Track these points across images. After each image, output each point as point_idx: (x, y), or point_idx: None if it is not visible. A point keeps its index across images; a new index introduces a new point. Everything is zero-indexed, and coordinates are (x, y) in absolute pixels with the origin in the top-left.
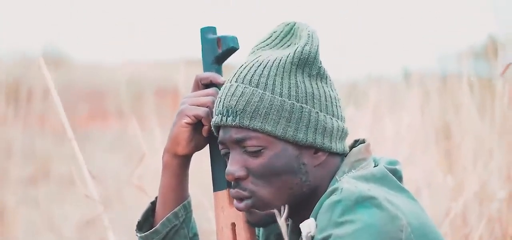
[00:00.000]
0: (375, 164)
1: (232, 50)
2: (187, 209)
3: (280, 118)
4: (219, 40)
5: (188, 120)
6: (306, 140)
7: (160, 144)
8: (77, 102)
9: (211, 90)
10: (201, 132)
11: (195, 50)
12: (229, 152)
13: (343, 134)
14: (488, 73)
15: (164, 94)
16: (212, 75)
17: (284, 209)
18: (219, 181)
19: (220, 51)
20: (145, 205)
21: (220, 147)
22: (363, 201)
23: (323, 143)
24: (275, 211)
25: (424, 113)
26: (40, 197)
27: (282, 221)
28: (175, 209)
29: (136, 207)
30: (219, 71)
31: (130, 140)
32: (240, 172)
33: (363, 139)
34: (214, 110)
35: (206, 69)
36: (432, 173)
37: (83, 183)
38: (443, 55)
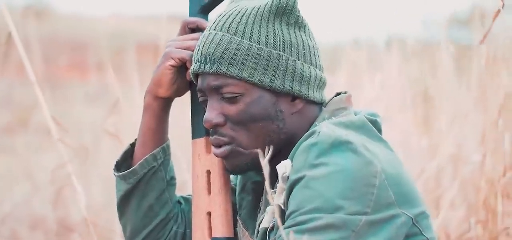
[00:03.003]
0: (355, 114)
1: (217, 0)
2: (166, 152)
3: (257, 65)
4: None
5: (172, 62)
6: (283, 87)
7: (139, 99)
8: (58, 52)
9: (197, 34)
10: (184, 76)
11: (177, 6)
12: (207, 100)
13: (321, 83)
14: (469, 40)
15: (146, 49)
16: (199, 20)
17: (268, 150)
18: (198, 128)
19: (206, 0)
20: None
21: (198, 94)
22: (339, 145)
23: (300, 91)
24: (259, 151)
25: (402, 76)
26: (17, 145)
27: (265, 162)
28: (154, 151)
29: (112, 157)
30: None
31: (110, 92)
32: (218, 119)
33: (345, 91)
34: (193, 58)
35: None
36: (407, 134)
37: (57, 131)
38: (428, 21)
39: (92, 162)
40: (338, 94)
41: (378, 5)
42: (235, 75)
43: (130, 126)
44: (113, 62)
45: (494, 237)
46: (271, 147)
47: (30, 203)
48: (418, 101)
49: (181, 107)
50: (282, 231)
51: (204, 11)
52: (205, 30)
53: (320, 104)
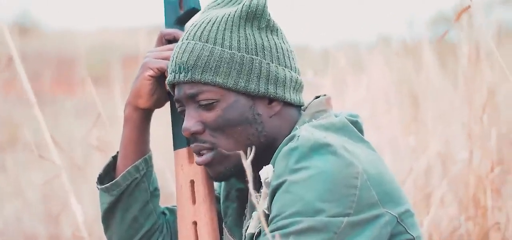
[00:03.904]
0: (335, 116)
1: (193, 11)
2: (148, 163)
3: (230, 70)
4: (181, 0)
5: (151, 72)
6: (258, 90)
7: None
8: (45, 68)
9: (174, 45)
10: (163, 87)
11: (158, 17)
12: (185, 109)
13: (297, 85)
14: (454, 37)
15: (134, 61)
16: (175, 31)
17: (251, 150)
18: (179, 139)
19: (181, 12)
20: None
21: (176, 105)
22: (318, 148)
23: (276, 93)
24: (241, 153)
25: (389, 76)
26: (7, 163)
27: (247, 163)
28: (136, 163)
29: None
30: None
31: (97, 107)
32: (196, 127)
33: (324, 94)
34: (168, 69)
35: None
36: (395, 132)
37: (48, 148)
38: (414, 20)
39: (82, 177)
40: (317, 97)
41: (365, 6)
42: (209, 81)
43: (116, 138)
44: (101, 75)
45: (485, 232)
46: (253, 147)
47: (21, 220)
48: (405, 100)
49: (165, 117)
50: (264, 236)
51: (180, 22)
52: (178, 41)
53: (299, 107)
